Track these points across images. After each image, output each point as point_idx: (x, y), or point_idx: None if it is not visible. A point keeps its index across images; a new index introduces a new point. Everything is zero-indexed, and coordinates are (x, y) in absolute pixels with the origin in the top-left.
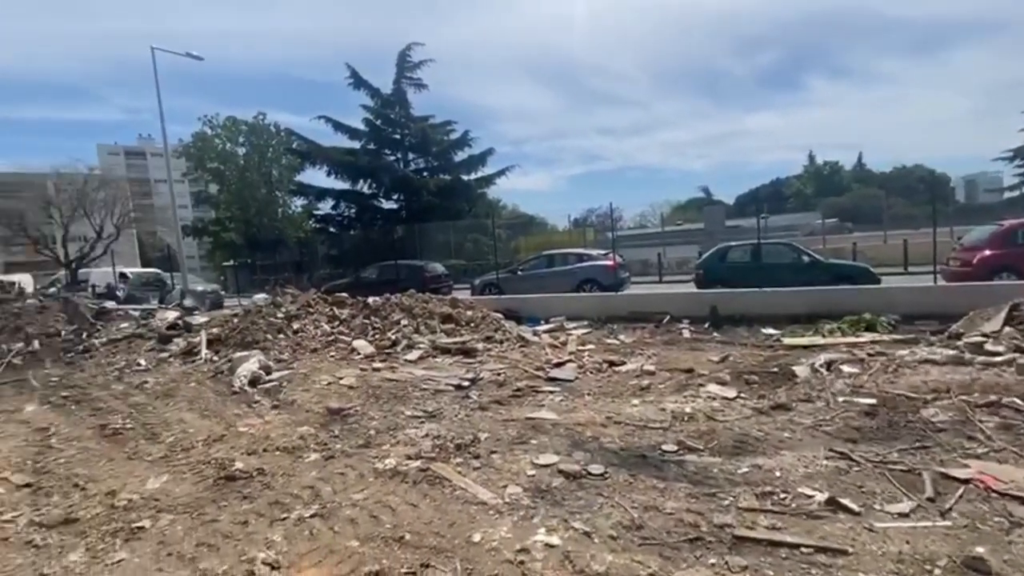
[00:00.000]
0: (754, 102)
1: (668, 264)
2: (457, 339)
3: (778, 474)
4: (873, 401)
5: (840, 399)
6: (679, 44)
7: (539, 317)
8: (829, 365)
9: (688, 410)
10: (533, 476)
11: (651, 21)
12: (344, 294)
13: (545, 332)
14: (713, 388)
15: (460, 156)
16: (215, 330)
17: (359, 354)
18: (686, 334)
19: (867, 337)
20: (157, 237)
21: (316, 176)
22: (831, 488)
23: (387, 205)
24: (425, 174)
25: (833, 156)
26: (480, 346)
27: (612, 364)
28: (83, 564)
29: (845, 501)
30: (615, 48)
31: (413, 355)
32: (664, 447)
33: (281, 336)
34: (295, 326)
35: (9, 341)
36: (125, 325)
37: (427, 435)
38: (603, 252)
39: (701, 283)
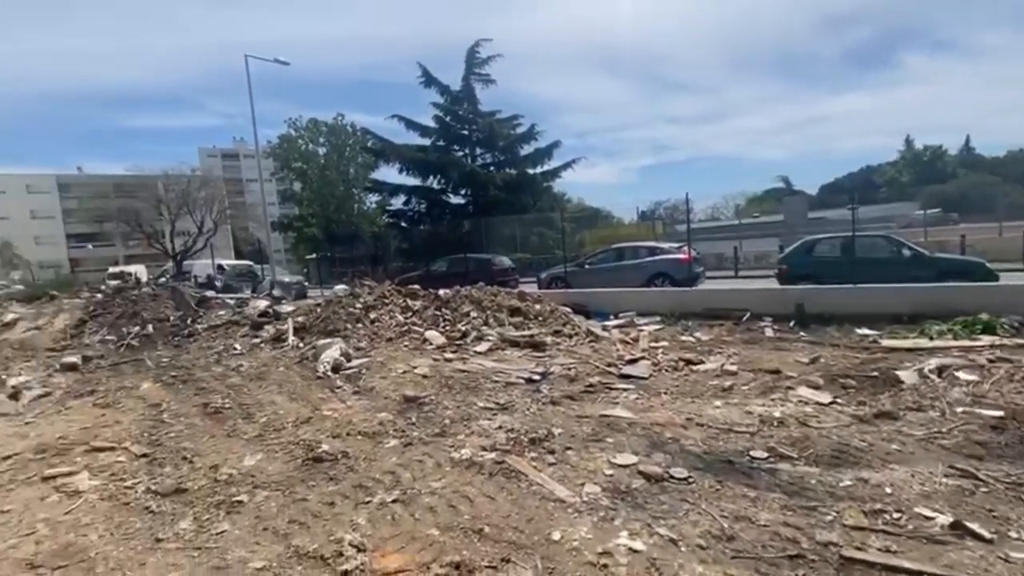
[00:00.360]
0: (841, 83)
1: (745, 258)
2: (525, 332)
3: (889, 490)
4: (1000, 413)
5: (959, 409)
6: (757, 26)
7: (608, 312)
8: (941, 371)
9: (777, 414)
10: (611, 476)
11: (726, 3)
12: (416, 286)
13: (615, 328)
14: (804, 391)
15: (526, 150)
16: (301, 318)
17: (431, 344)
18: (769, 333)
19: (985, 340)
20: (248, 232)
21: (389, 173)
22: (955, 510)
23: (455, 200)
24: (492, 169)
25: (934, 140)
26: (549, 340)
27: (689, 363)
28: (191, 532)
29: (974, 526)
30: (686, 34)
31: (483, 347)
32: (753, 453)
33: (359, 325)
34: (372, 316)
35: (128, 325)
36: (223, 312)
37: (500, 427)
38: (676, 245)
39: (785, 278)
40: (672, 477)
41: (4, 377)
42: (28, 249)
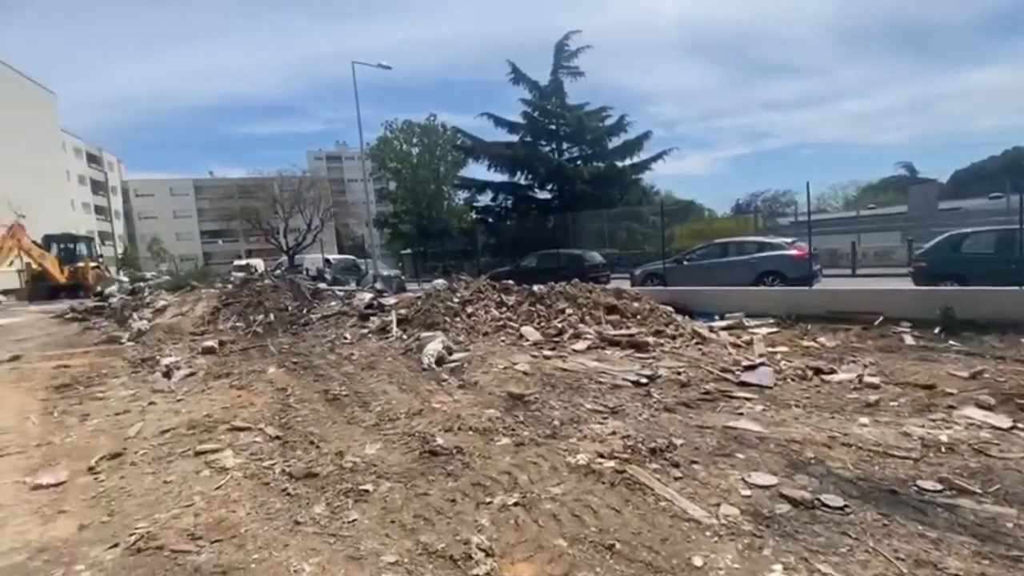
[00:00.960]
0: (975, 55)
1: (864, 254)
2: (625, 331)
3: None
4: None
5: None
6: None
7: (712, 312)
8: None
9: (944, 439)
10: (749, 497)
11: None
12: (510, 281)
13: (722, 329)
14: (973, 412)
15: (614, 143)
16: (403, 311)
17: (527, 340)
18: (909, 340)
19: None
20: (349, 229)
21: (478, 170)
22: None
23: (541, 195)
24: (579, 163)
25: None
26: (651, 340)
27: (819, 372)
28: (325, 518)
29: None
30: (787, 11)
31: (581, 345)
32: (921, 484)
33: (457, 319)
34: (468, 310)
35: (254, 313)
36: (333, 304)
37: (614, 432)
38: (788, 240)
39: (922, 278)
40: (824, 505)
41: (159, 357)
42: (171, 244)
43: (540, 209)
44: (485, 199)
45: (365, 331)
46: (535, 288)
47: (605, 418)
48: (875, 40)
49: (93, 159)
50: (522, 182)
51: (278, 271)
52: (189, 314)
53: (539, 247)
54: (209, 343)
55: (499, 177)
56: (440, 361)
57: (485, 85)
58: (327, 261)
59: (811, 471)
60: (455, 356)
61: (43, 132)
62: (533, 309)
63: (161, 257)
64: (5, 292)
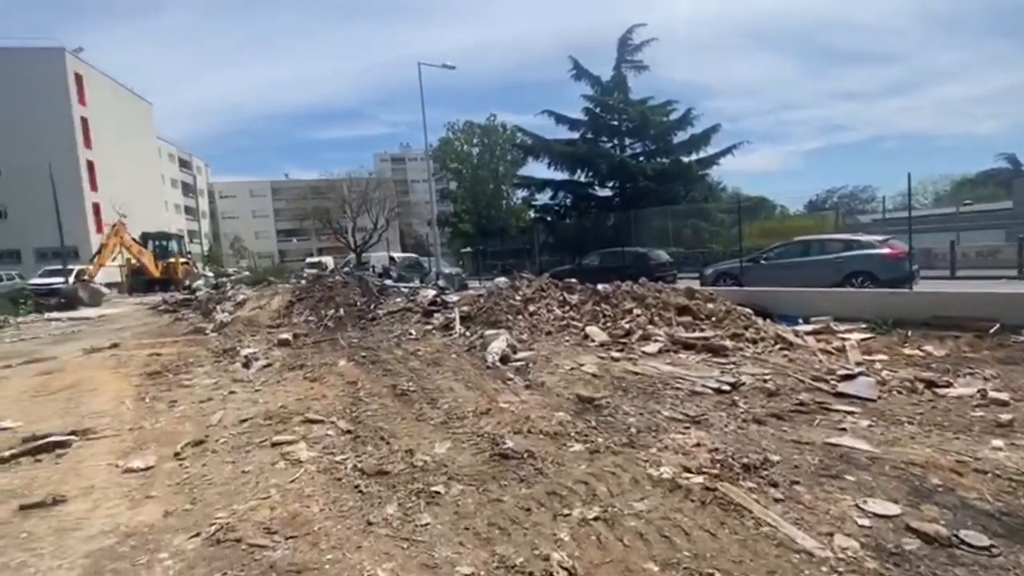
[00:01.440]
0: None
1: (964, 254)
2: (699, 334)
3: None
4: None
5: None
6: None
7: (795, 315)
8: None
9: None
10: (868, 528)
11: None
12: (573, 280)
13: (808, 334)
14: None
15: (680, 137)
16: (465, 308)
17: (593, 341)
18: None
19: None
20: (412, 228)
21: (537, 169)
22: None
23: (602, 192)
24: (641, 159)
25: None
26: (728, 344)
27: (932, 385)
28: (398, 519)
29: None
30: None
31: (651, 347)
32: None
33: (520, 317)
34: (531, 309)
35: (325, 308)
36: (399, 300)
37: (699, 444)
38: (879, 238)
39: None
40: (965, 543)
41: (239, 348)
42: (250, 242)
43: (600, 207)
44: (544, 198)
45: (429, 327)
46: (599, 287)
47: (686, 428)
48: (969, 21)
49: (184, 164)
50: (582, 179)
51: (346, 268)
52: (266, 308)
53: (599, 245)
54: (284, 336)
55: (559, 175)
56: (504, 360)
57: (545, 85)
58: (392, 259)
59: (940, 501)
60: (520, 355)
61: (142, 140)
62: (598, 309)
63: (241, 254)
64: (109, 285)
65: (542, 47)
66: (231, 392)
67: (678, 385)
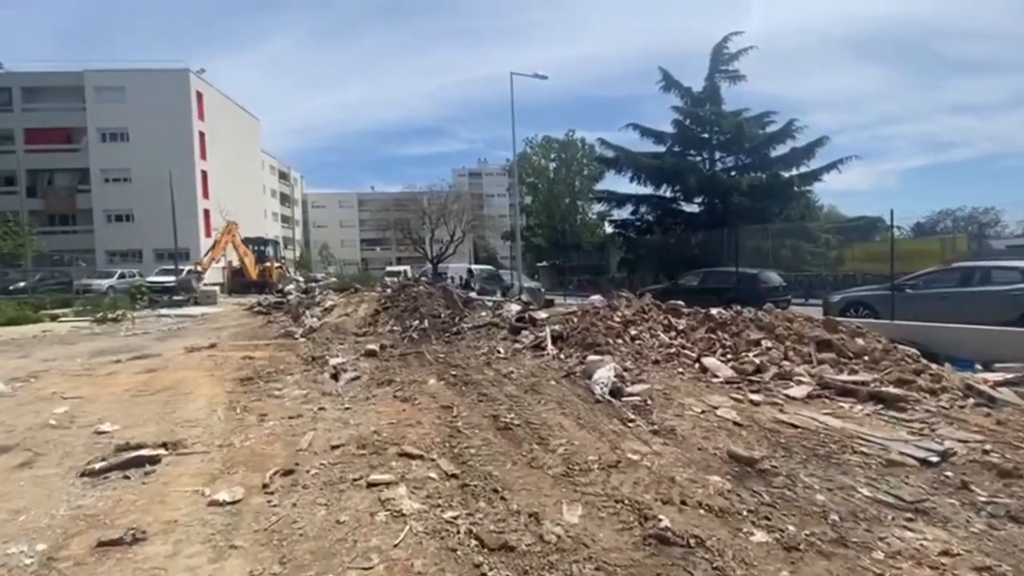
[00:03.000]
0: None
1: None
2: (853, 377)
3: None
4: None
5: None
6: None
7: (966, 359)
8: None
9: None
10: None
11: None
12: (680, 302)
13: (1001, 384)
14: None
15: (778, 151)
16: (557, 327)
17: (717, 377)
18: None
19: None
20: (485, 240)
21: (617, 183)
22: None
23: (688, 208)
24: (734, 173)
25: None
26: (897, 392)
27: None
28: None
29: None
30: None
31: (798, 391)
32: None
33: (620, 341)
34: (632, 332)
35: (410, 318)
36: (484, 314)
37: (946, 553)
38: None
39: None
40: None
41: (327, 357)
42: (336, 250)
43: (686, 223)
44: (624, 213)
45: (519, 347)
46: (713, 311)
47: (909, 519)
48: None
49: (283, 176)
50: (667, 195)
51: (423, 277)
52: (353, 315)
53: (685, 264)
54: (371, 346)
55: (642, 190)
56: (615, 392)
57: (623, 101)
58: (470, 271)
59: None
60: (633, 388)
61: (249, 152)
62: (714, 337)
63: (329, 261)
64: (212, 285)
65: (621, 65)
66: (320, 408)
67: (861, 448)
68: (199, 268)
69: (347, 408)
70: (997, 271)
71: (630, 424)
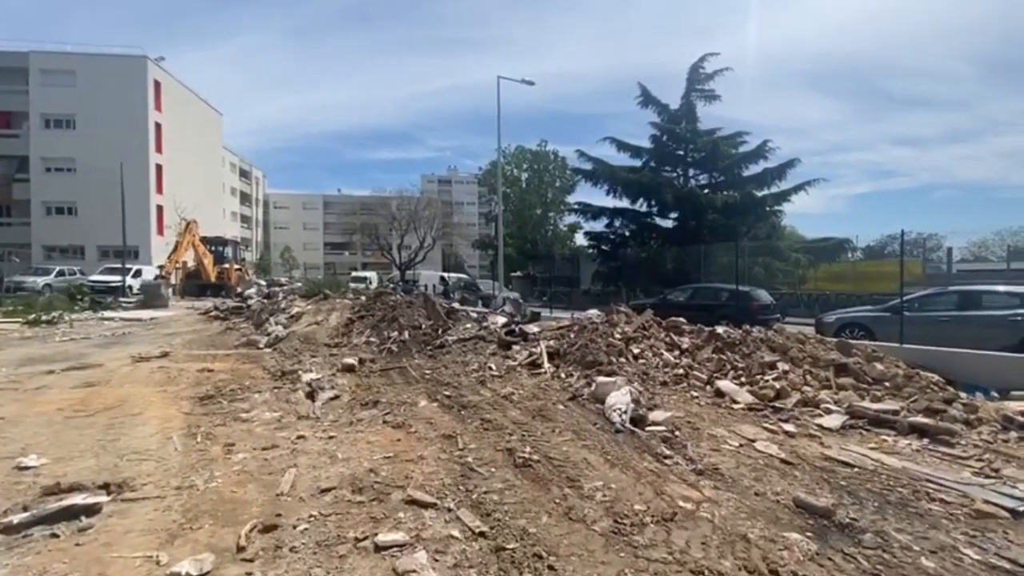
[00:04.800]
0: None
1: None
2: (884, 405)
3: None
4: None
5: None
6: None
7: (982, 386)
8: None
9: None
10: None
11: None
12: (681, 319)
13: None
14: None
15: (750, 170)
16: (551, 343)
17: (736, 402)
18: None
19: None
20: (453, 248)
21: (591, 196)
22: None
23: (663, 223)
24: (707, 191)
25: None
26: (944, 425)
27: None
28: None
29: None
30: (927, 40)
31: (830, 421)
32: None
33: (623, 360)
34: (634, 350)
35: (387, 329)
36: (469, 326)
37: None
38: None
39: None
40: None
41: (300, 372)
42: (298, 253)
43: (661, 238)
44: (598, 225)
45: (513, 363)
46: (719, 330)
47: None
48: None
49: (244, 174)
50: (643, 209)
51: (391, 285)
52: (324, 324)
53: (658, 278)
54: (349, 360)
55: (618, 203)
56: (637, 421)
57: (597, 117)
58: (443, 279)
59: None
60: (656, 416)
61: (209, 148)
62: (723, 358)
63: (291, 264)
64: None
65: (592, 82)
66: (299, 436)
67: (937, 494)
68: (164, 273)
69: (331, 436)
70: (995, 295)
71: (667, 461)
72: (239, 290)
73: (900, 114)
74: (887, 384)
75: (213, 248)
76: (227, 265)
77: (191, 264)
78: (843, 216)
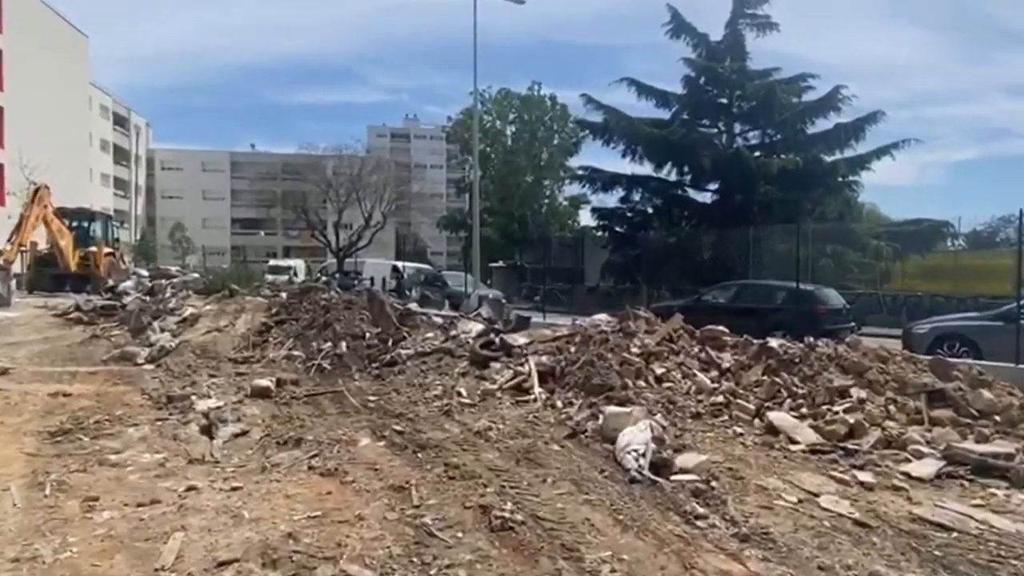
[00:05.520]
0: None
1: None
2: (990, 447)
3: None
4: None
5: None
6: None
7: None
8: None
9: None
10: None
11: None
12: (721, 328)
13: None
14: None
15: (817, 127)
16: (544, 359)
17: (795, 442)
18: None
19: None
20: (411, 229)
21: (602, 158)
22: None
23: (699, 197)
24: (759, 153)
25: None
26: None
27: None
28: None
29: None
30: None
31: (922, 468)
32: None
33: (642, 384)
34: (657, 370)
35: (318, 338)
36: (431, 335)
37: None
38: None
39: None
40: None
41: (193, 397)
42: (195, 232)
43: (696, 217)
44: (611, 199)
45: (491, 386)
46: (773, 343)
47: None
48: None
49: (120, 121)
50: (671, 177)
51: (323, 277)
52: (228, 331)
53: (690, 272)
54: (263, 382)
55: (638, 169)
56: (660, 467)
57: (610, 51)
58: (396, 269)
59: None
60: (685, 461)
61: (72, 84)
62: (777, 381)
63: (185, 248)
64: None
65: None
66: (190, 487)
67: None
68: (4, 259)
69: (235, 488)
70: None
71: (699, 523)
72: (111, 283)
73: (1017, 54)
74: (998, 419)
75: (74, 224)
76: (94, 248)
77: (43, 246)
78: (940, 190)
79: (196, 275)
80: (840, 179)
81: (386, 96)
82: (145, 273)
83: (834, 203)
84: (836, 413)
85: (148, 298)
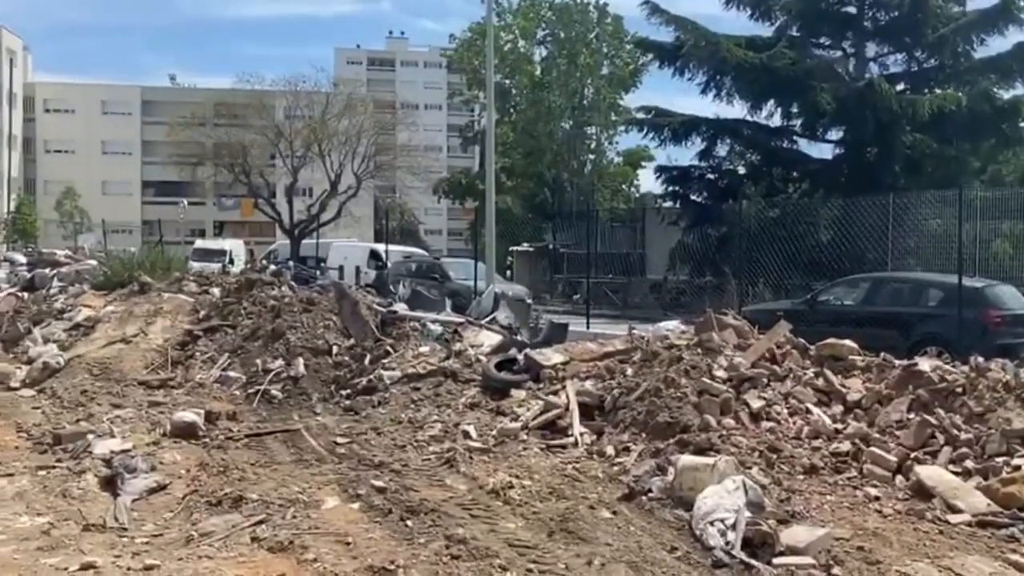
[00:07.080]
0: None
1: None
2: None
3: None
4: None
5: None
6: None
7: None
8: None
9: None
10: None
11: None
12: (847, 342)
13: None
14: None
15: (987, 49)
16: (588, 386)
17: (955, 510)
18: None
19: None
20: (400, 196)
21: (671, 93)
22: None
23: (813, 152)
24: (904, 86)
25: None
26: None
27: None
28: None
29: None
30: None
31: None
32: None
33: (730, 423)
34: (753, 403)
35: (265, 353)
36: (425, 350)
37: None
38: None
39: None
40: None
41: (90, 437)
42: (93, 201)
43: (809, 179)
44: (685, 155)
45: (513, 425)
46: (922, 365)
47: None
48: None
49: None
50: (774, 122)
51: (270, 264)
52: (138, 342)
53: (800, 260)
54: (187, 415)
55: (725, 110)
56: (756, 544)
57: None
58: (375, 255)
59: None
60: (792, 537)
61: None
62: (929, 420)
63: (78, 223)
64: None
65: None
66: (86, 566)
67: None
68: None
69: (148, 567)
70: None
71: None
72: None
73: None
74: None
75: None
76: None
77: None
78: None
79: (93, 262)
80: (1023, 124)
81: (360, 5)
82: (21, 259)
83: (1015, 160)
84: (1017, 469)
85: (25, 295)
